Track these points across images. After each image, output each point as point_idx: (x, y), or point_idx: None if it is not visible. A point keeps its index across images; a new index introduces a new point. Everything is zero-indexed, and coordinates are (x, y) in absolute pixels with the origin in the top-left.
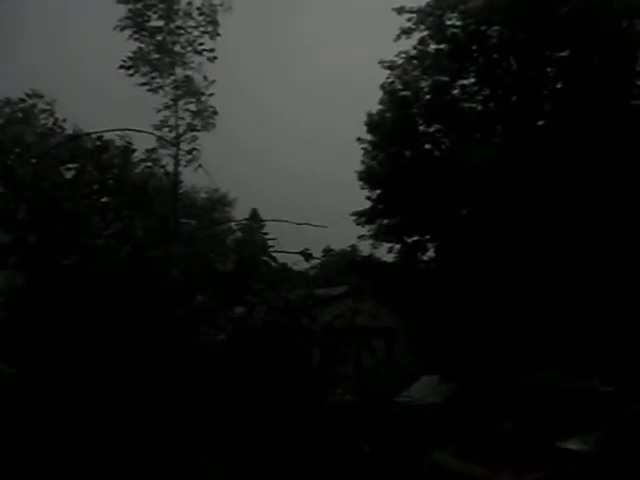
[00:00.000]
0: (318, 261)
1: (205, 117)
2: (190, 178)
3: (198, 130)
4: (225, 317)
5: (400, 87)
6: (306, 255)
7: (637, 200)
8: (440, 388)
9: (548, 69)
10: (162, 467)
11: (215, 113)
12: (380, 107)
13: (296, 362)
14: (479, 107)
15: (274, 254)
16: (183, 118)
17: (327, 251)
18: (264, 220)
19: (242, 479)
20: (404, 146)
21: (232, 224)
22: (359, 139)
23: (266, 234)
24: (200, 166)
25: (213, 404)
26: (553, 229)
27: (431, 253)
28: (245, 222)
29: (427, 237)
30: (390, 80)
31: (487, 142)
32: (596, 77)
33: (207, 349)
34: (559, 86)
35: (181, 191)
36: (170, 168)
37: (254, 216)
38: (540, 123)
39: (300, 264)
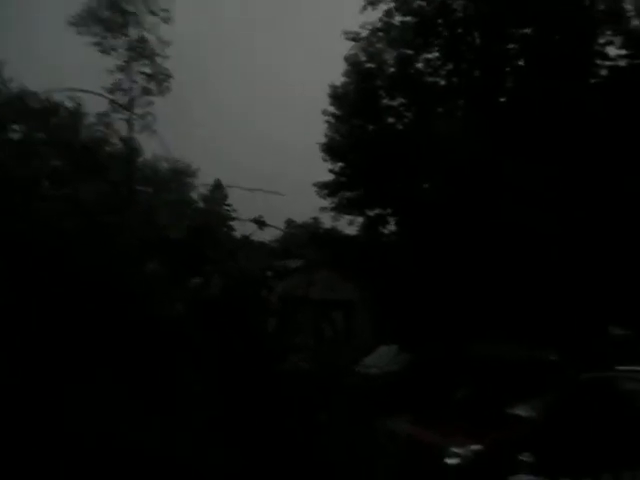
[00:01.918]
0: (281, 233)
1: (160, 80)
2: (155, 148)
3: (153, 94)
4: (180, 286)
5: (364, 59)
6: (259, 222)
7: (596, 176)
8: (398, 358)
9: (511, 45)
10: (116, 435)
11: (169, 76)
12: (344, 79)
13: (252, 332)
14: (443, 81)
15: (232, 223)
16: (137, 82)
17: (289, 222)
18: (223, 187)
19: (196, 447)
20: (367, 119)
21: (194, 194)
22: (324, 112)
23: (229, 205)
24: (155, 132)
25: (168, 374)
26: (512, 204)
27: (393, 226)
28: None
29: (389, 211)
30: (354, 52)
31: (450, 117)
32: (557, 55)
33: (162, 319)
34: (521, 63)
35: (141, 159)
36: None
37: (217, 187)
38: (502, 99)
39: (262, 235)
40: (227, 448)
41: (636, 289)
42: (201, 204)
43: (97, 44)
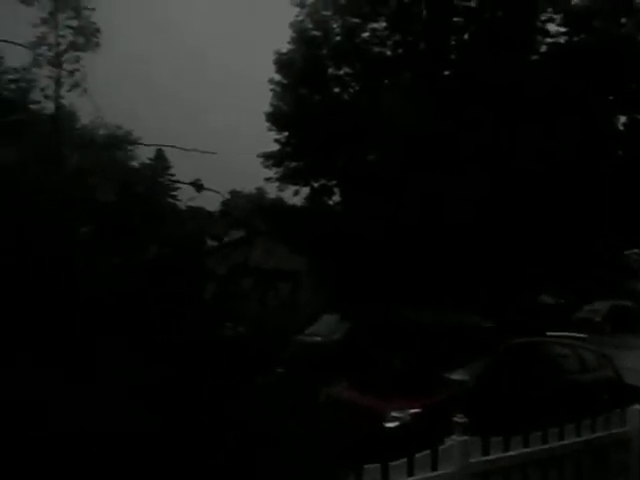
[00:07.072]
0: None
1: (88, 35)
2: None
3: (82, 50)
4: (113, 251)
5: (310, 26)
6: (197, 186)
7: (533, 149)
8: (340, 326)
9: (456, 19)
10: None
11: (98, 31)
12: (290, 47)
13: (187, 299)
14: (389, 52)
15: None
16: (64, 36)
17: (234, 193)
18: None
19: (125, 415)
20: (313, 88)
21: (134, 163)
22: (270, 80)
23: (172, 175)
24: (85, 91)
25: (99, 343)
26: (455, 176)
27: (337, 197)
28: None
29: (334, 181)
30: (300, 18)
31: (395, 88)
32: (500, 30)
33: (96, 283)
34: (466, 37)
35: (78, 126)
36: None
37: (159, 156)
38: (447, 73)
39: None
40: (155, 413)
41: (565, 261)
42: (141, 172)
43: None
